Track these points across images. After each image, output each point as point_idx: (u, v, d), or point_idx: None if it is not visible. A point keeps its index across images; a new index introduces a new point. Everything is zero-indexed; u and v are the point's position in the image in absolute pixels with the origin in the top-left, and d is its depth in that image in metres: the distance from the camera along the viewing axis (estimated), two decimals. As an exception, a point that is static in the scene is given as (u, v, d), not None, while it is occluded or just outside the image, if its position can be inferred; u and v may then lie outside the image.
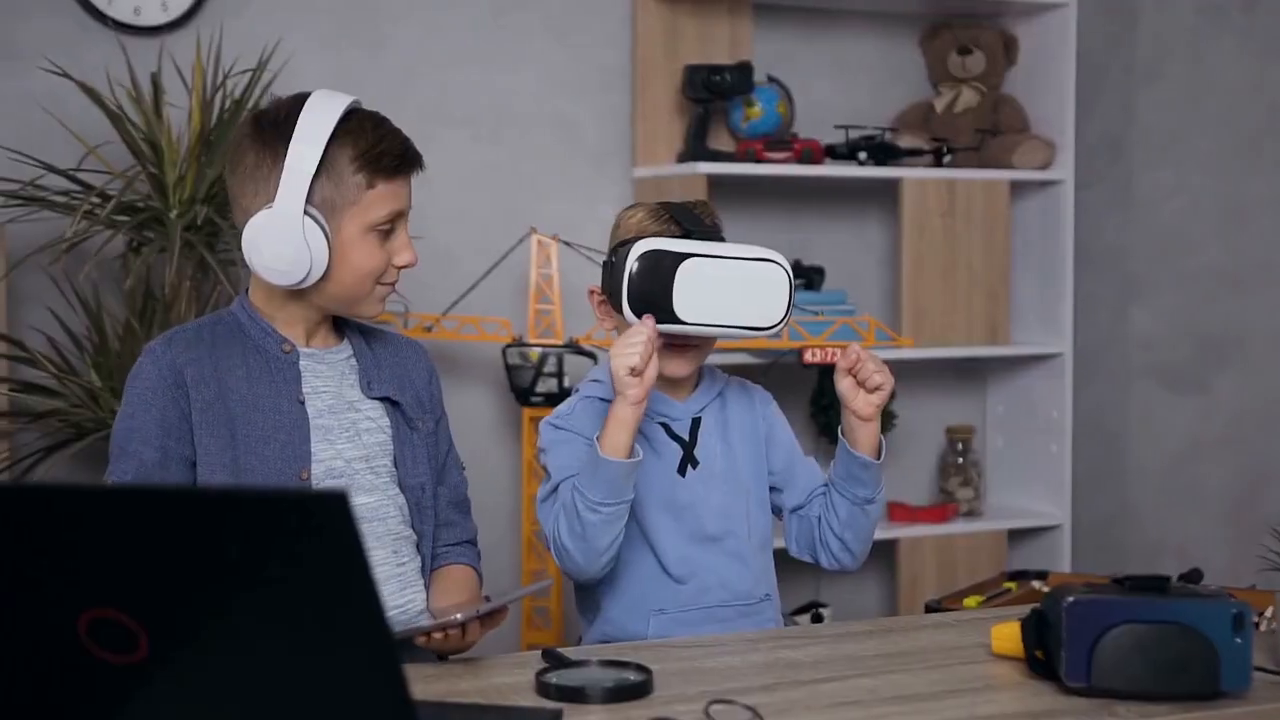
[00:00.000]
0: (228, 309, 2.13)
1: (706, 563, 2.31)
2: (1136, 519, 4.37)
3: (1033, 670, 1.86)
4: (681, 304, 2.18)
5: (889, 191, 3.94)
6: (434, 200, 3.62)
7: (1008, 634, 1.95)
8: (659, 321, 2.20)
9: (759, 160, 3.73)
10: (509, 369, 3.40)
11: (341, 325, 2.17)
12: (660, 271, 2.17)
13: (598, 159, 3.82)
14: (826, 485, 2.38)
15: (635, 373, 2.10)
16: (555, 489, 2.23)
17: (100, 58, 3.21)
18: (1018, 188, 4.10)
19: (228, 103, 2.97)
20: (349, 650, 1.27)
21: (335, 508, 1.22)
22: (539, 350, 3.38)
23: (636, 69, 3.83)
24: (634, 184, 3.84)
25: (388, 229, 2.07)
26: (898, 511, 3.99)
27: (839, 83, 4.12)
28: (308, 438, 2.05)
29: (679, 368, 2.31)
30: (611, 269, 2.23)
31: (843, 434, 2.32)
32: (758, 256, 2.22)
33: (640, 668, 1.85)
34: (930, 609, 3.28)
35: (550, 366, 3.37)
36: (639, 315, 2.20)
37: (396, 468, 2.14)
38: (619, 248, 2.23)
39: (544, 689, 1.79)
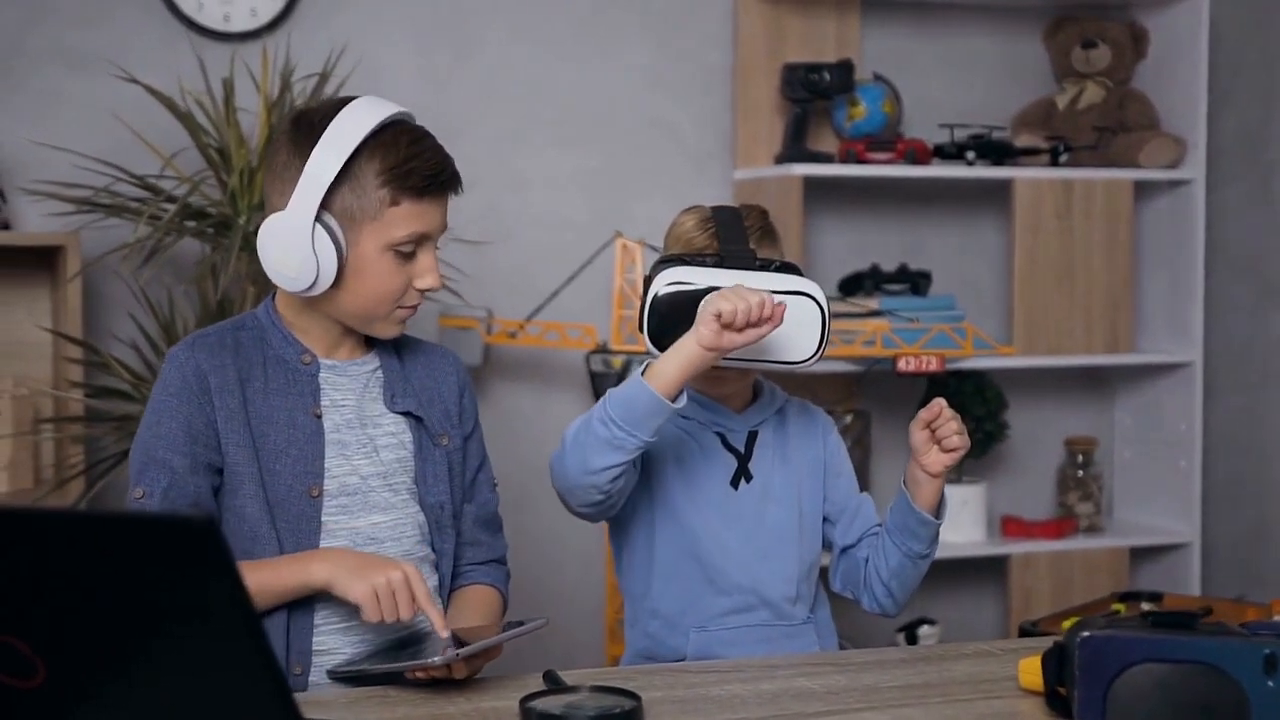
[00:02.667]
0: (252, 313, 2.09)
1: (752, 580, 2.22)
2: (1273, 538, 4.12)
3: (1051, 708, 1.73)
4: None
5: (1002, 193, 3.78)
6: (522, 205, 3.58)
7: (1034, 668, 1.82)
8: None
9: (861, 161, 3.60)
10: (592, 376, 3.33)
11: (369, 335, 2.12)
12: (684, 305, 2.07)
13: (696, 161, 3.73)
14: (879, 527, 2.29)
15: (720, 320, 1.95)
16: None
17: (190, 64, 3.22)
18: (1143, 188, 3.91)
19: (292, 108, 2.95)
20: (232, 675, 1.22)
21: (204, 532, 1.17)
22: (622, 357, 3.31)
23: (738, 69, 3.73)
24: (734, 186, 3.74)
25: (410, 250, 1.99)
26: (1011, 526, 3.82)
27: (955, 80, 3.96)
28: (322, 453, 1.99)
29: (718, 388, 2.24)
30: (646, 288, 2.15)
31: (905, 485, 2.21)
32: (789, 290, 2.12)
33: (631, 695, 1.77)
34: (1025, 631, 3.13)
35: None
36: (659, 345, 2.12)
37: (417, 484, 2.07)
38: (654, 268, 2.16)
39: (527, 715, 1.72)
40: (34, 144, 3.14)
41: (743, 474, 2.23)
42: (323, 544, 1.97)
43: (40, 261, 3.09)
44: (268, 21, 3.37)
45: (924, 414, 2.13)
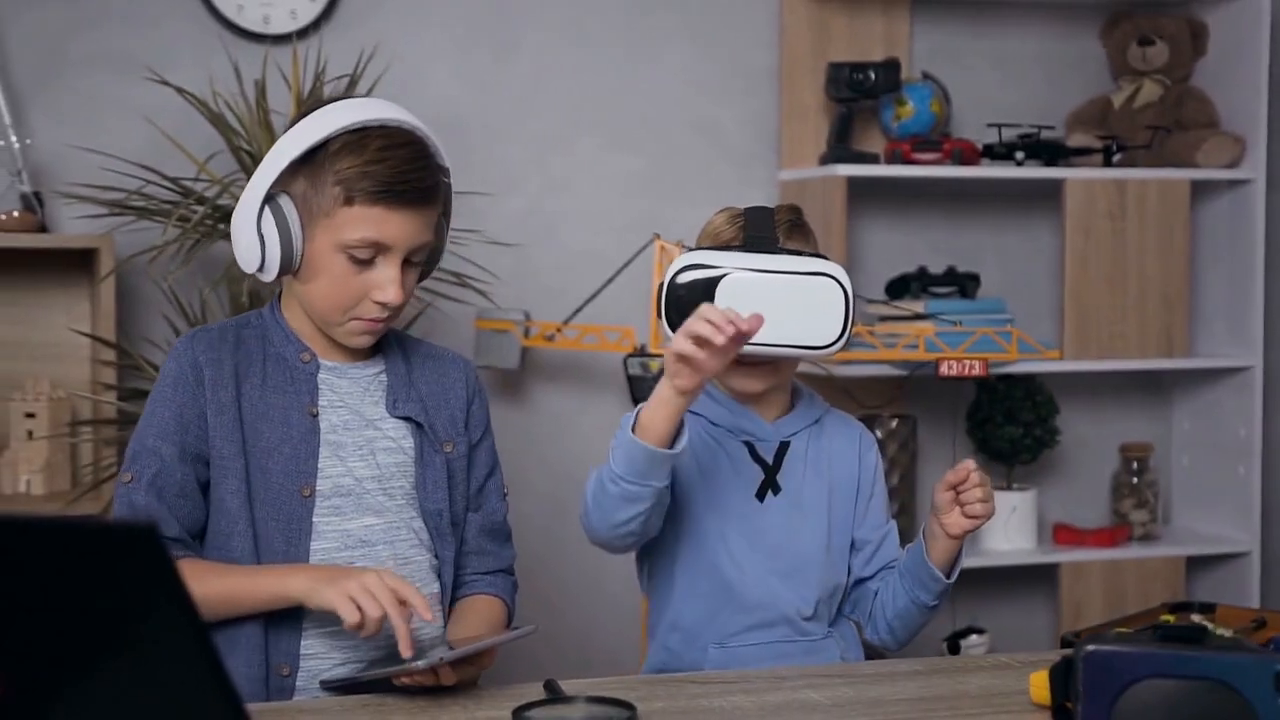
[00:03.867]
0: (258, 310, 2.08)
1: (773, 595, 2.17)
2: (1339, 547, 4.02)
3: (1058, 724, 1.67)
4: None
5: (1053, 194, 3.70)
6: (563, 207, 3.55)
7: (1044, 682, 1.76)
8: None
9: (906, 162, 3.54)
10: (630, 379, 3.29)
11: (381, 339, 2.09)
12: (702, 285, 2.04)
13: (740, 162, 3.68)
14: (893, 564, 2.23)
15: (683, 359, 1.88)
16: None
17: (228, 66, 3.22)
18: (1201, 188, 3.81)
19: (320, 109, 2.94)
20: (181, 681, 1.20)
21: (143, 539, 1.15)
22: (660, 360, 3.27)
23: (783, 69, 3.69)
24: (779, 187, 3.69)
25: (365, 258, 1.95)
26: (1062, 534, 3.74)
27: (1008, 79, 3.89)
28: (315, 453, 1.98)
29: (747, 384, 2.17)
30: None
31: (923, 536, 2.15)
32: (811, 270, 2.07)
33: (627, 706, 1.73)
34: (1066, 642, 3.05)
35: (671, 377, 3.25)
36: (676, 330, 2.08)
37: (417, 491, 2.05)
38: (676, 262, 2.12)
39: (523, 727, 1.69)
40: (71, 148, 3.15)
41: (770, 486, 2.18)
42: (312, 545, 1.95)
43: (79, 264, 3.11)
44: (307, 23, 3.37)
45: (950, 476, 2.06)
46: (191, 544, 1.96)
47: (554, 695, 1.79)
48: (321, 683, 1.91)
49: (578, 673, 1.91)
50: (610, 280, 3.33)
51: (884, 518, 2.28)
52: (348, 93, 3.02)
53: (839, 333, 2.07)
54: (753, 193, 3.65)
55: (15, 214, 3.05)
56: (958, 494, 2.06)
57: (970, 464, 2.06)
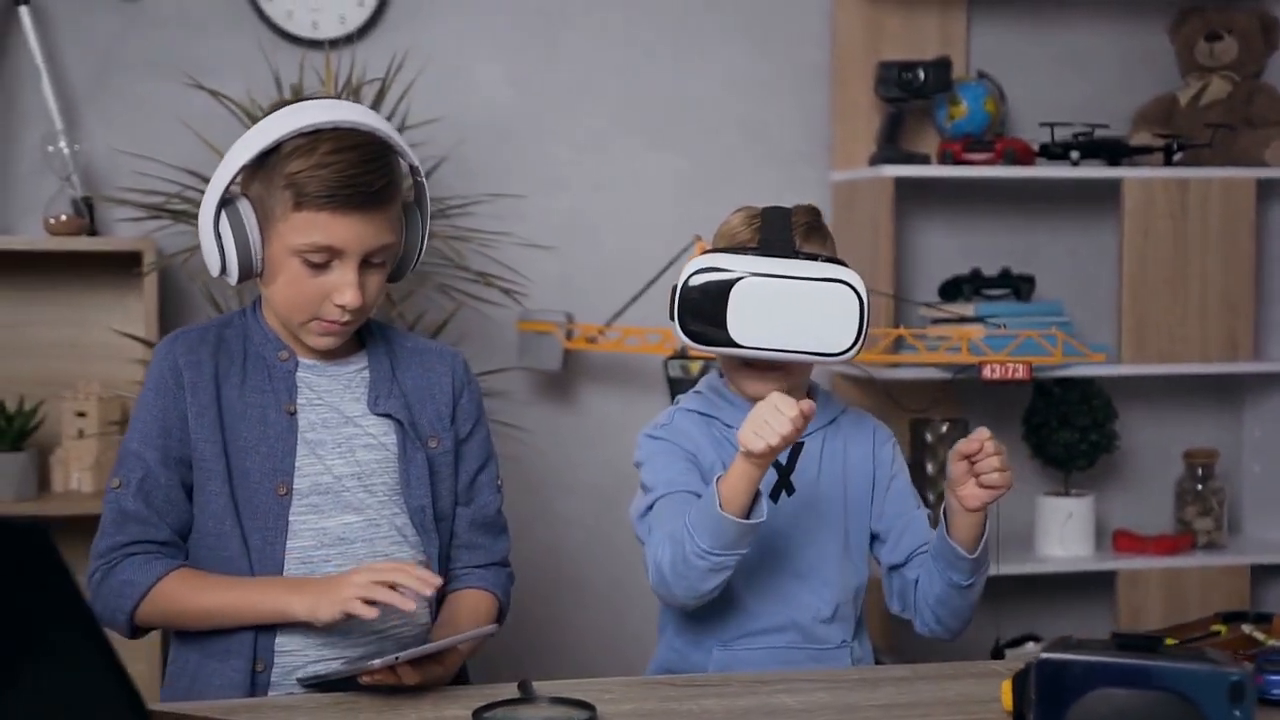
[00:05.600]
0: (241, 310, 2.10)
1: (785, 599, 2.15)
2: None
3: (1017, 733, 1.64)
4: (736, 325, 2.05)
5: (1112, 193, 3.62)
6: (609, 208, 3.55)
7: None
8: (713, 343, 2.07)
9: (958, 162, 3.49)
10: (670, 381, 3.28)
11: (364, 335, 2.11)
12: (716, 289, 2.05)
13: (789, 163, 3.66)
14: (926, 548, 2.16)
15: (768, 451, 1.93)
16: (652, 505, 2.11)
17: (279, 71, 3.26)
18: (1268, 186, 3.71)
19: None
20: (82, 680, 1.22)
21: (35, 540, 1.17)
22: (700, 363, 3.26)
23: (835, 68, 3.66)
24: (831, 188, 3.66)
25: (319, 262, 1.95)
26: (1122, 540, 3.66)
27: (1072, 78, 3.82)
28: (292, 451, 1.99)
29: (759, 388, 2.15)
30: None
31: (945, 514, 2.09)
32: (825, 277, 2.05)
33: (587, 707, 1.73)
34: (1108, 650, 3.00)
35: (711, 379, 3.24)
36: (690, 335, 2.08)
37: (401, 487, 2.06)
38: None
39: (482, 727, 1.70)
40: (121, 153, 3.22)
41: (783, 487, 2.16)
42: (289, 544, 1.97)
43: (127, 267, 3.17)
44: (356, 28, 3.40)
45: (963, 445, 2.00)
46: (181, 547, 2.00)
47: (526, 696, 1.80)
48: (298, 679, 1.93)
49: (620, 670, 1.93)
50: (652, 282, 3.32)
51: (907, 504, 2.22)
52: (379, 97, 3.04)
53: (853, 340, 2.05)
54: (803, 193, 3.59)
55: (64, 218, 3.12)
56: (972, 464, 2.01)
57: (984, 432, 2.00)
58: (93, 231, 3.17)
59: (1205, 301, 3.58)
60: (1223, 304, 3.58)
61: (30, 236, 3.19)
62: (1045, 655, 1.55)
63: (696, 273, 2.07)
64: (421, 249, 2.11)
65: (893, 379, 3.44)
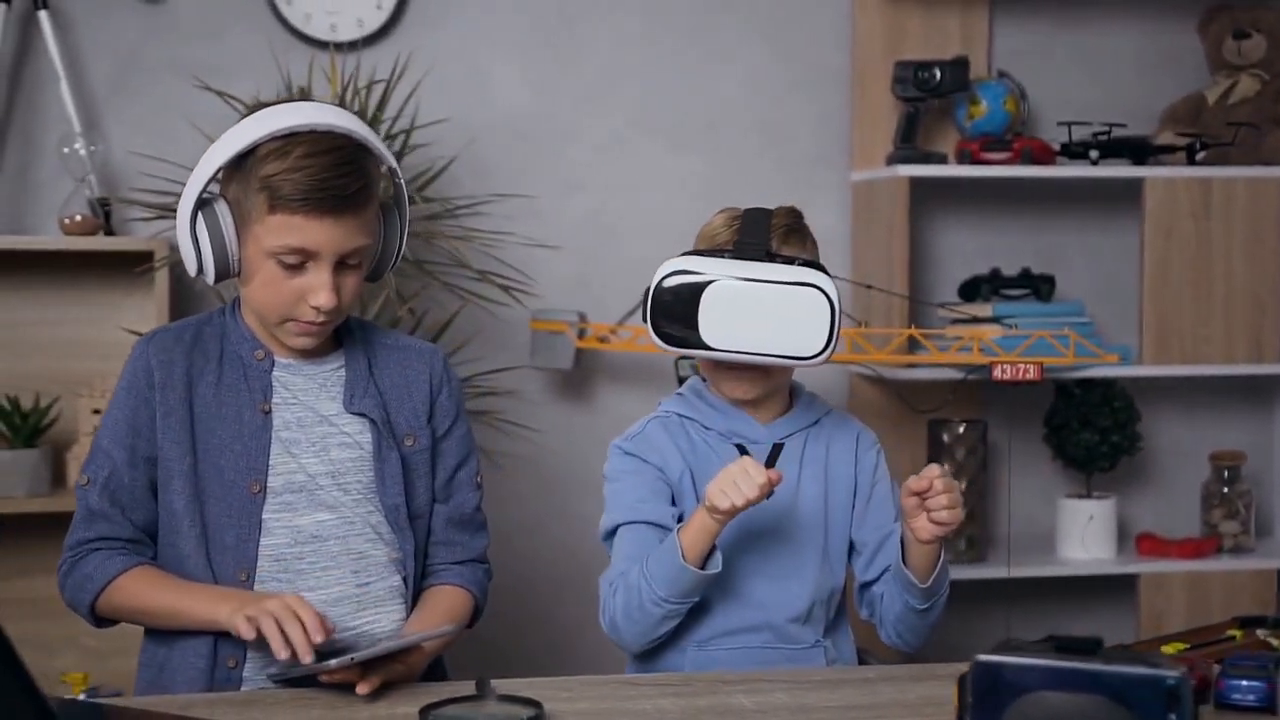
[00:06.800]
0: (221, 308, 2.13)
1: (758, 600, 2.16)
2: None
3: (960, 736, 1.62)
4: (708, 328, 2.08)
5: (1134, 193, 3.58)
6: (627, 210, 3.56)
7: (966, 693, 1.71)
8: (686, 345, 2.09)
9: (975, 162, 3.46)
10: (681, 381, 3.28)
11: (342, 334, 2.13)
12: (687, 293, 2.08)
13: (810, 165, 3.65)
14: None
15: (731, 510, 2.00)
16: (615, 529, 2.17)
17: (300, 74, 3.28)
18: (1295, 186, 3.65)
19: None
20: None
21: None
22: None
23: (855, 69, 3.64)
24: (850, 189, 3.65)
25: (293, 263, 1.96)
26: (1145, 544, 3.62)
27: (1098, 77, 3.78)
28: (266, 449, 2.01)
29: (736, 389, 2.18)
30: None
31: (902, 543, 2.12)
32: (796, 280, 2.06)
33: (535, 704, 1.74)
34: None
35: (720, 379, 3.23)
36: (662, 336, 2.11)
37: (377, 485, 2.07)
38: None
39: (422, 723, 1.71)
40: (134, 154, 3.26)
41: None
42: (262, 541, 1.99)
43: (141, 267, 3.21)
44: (374, 30, 3.43)
45: (913, 483, 2.02)
46: (148, 544, 2.03)
47: (482, 693, 1.81)
48: (267, 675, 1.95)
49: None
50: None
51: (886, 517, 2.24)
52: (385, 98, 3.06)
53: (824, 344, 2.07)
54: (822, 194, 3.61)
55: (79, 218, 3.17)
56: (923, 499, 2.02)
57: (934, 470, 2.02)
58: (109, 232, 3.21)
59: (1230, 302, 3.52)
60: (1248, 304, 3.53)
61: (46, 237, 3.24)
62: (981, 657, 1.53)
63: (669, 275, 2.10)
64: (400, 249, 2.12)
65: (906, 379, 3.42)
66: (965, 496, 3.41)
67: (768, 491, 1.97)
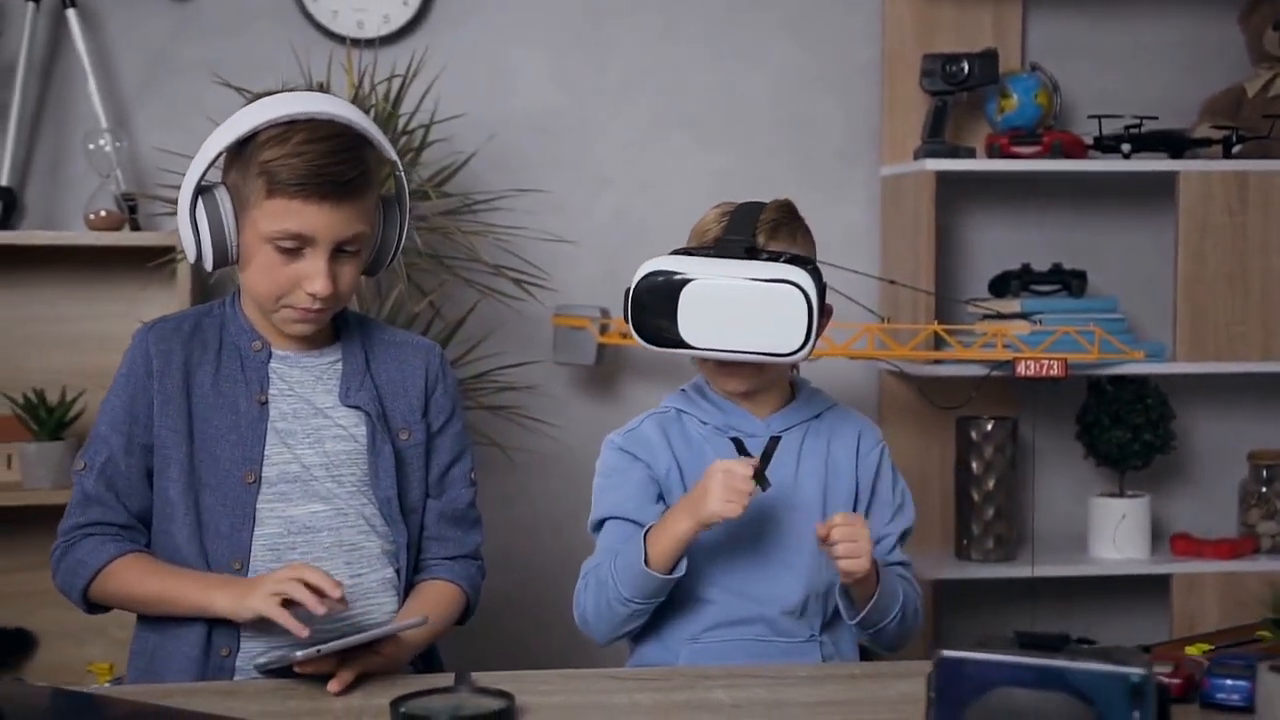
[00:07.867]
0: (221, 299, 2.14)
1: (751, 593, 2.16)
2: None
3: (930, 733, 1.60)
4: (687, 326, 2.10)
5: (1168, 187, 3.52)
6: (656, 207, 3.54)
7: (941, 689, 1.69)
8: (666, 343, 2.10)
9: (1005, 155, 3.42)
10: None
11: (340, 327, 2.14)
12: (666, 292, 2.10)
13: (839, 159, 3.62)
14: (889, 568, 2.19)
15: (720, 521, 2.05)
16: (601, 523, 2.21)
17: (321, 71, 3.30)
18: (1335, 180, 3.58)
19: (370, 114, 2.99)
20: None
21: None
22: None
23: (885, 62, 3.61)
24: (881, 184, 3.62)
25: (291, 249, 1.98)
26: (1179, 544, 3.56)
27: (1136, 70, 3.72)
28: (262, 440, 2.03)
29: (729, 383, 2.20)
30: None
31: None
32: (773, 278, 2.05)
33: (506, 696, 1.73)
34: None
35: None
36: (643, 335, 2.14)
37: (370, 478, 2.08)
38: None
39: (394, 714, 1.71)
40: (159, 150, 3.29)
41: (759, 481, 2.15)
42: (256, 531, 2.00)
43: (161, 260, 3.23)
44: (400, 27, 3.44)
45: (819, 528, 2.04)
46: (142, 531, 2.04)
47: (460, 686, 1.80)
48: (255, 665, 1.96)
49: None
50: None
51: (881, 519, 2.23)
52: (401, 93, 3.07)
53: (802, 340, 2.07)
54: (852, 190, 3.59)
55: (103, 213, 3.20)
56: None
57: (836, 519, 2.03)
58: (135, 227, 3.24)
59: (1266, 298, 3.46)
60: (1286, 300, 3.47)
61: (72, 232, 3.28)
62: (945, 653, 1.51)
63: (648, 275, 2.11)
64: (400, 243, 2.13)
65: (930, 376, 3.38)
66: (993, 494, 3.39)
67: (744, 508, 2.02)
